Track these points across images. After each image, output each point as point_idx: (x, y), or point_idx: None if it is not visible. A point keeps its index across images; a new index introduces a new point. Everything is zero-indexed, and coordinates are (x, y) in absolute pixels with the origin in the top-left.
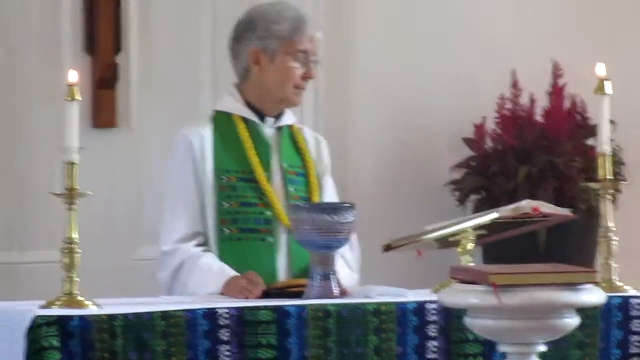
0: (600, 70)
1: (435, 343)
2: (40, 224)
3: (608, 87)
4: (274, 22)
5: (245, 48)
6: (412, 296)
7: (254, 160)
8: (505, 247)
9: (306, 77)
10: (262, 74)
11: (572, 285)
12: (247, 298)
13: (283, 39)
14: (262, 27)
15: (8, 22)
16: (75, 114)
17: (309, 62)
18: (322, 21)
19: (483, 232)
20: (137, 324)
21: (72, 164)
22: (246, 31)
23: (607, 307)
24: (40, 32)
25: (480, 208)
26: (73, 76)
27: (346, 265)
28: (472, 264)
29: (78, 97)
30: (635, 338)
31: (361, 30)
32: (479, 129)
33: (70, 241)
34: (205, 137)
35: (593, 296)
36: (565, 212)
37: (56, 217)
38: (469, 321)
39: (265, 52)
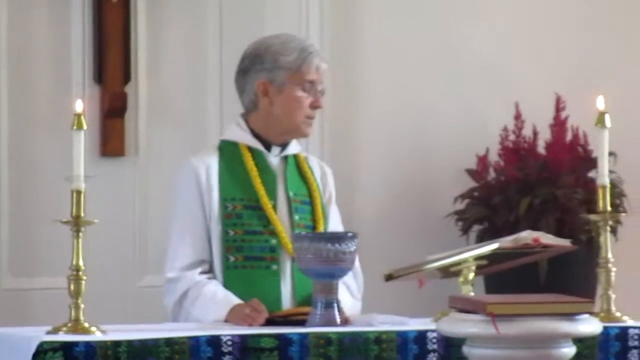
0: (600, 103)
1: None
2: (48, 251)
3: (607, 120)
4: (280, 53)
5: (253, 80)
6: (413, 324)
7: (260, 188)
8: (506, 278)
9: (314, 105)
10: (271, 105)
11: (569, 315)
12: (250, 325)
13: (290, 69)
14: (269, 59)
15: (18, 51)
16: (81, 142)
17: (316, 92)
18: (327, 52)
19: (484, 262)
20: (141, 349)
21: (78, 191)
22: (253, 63)
23: (605, 337)
24: (50, 62)
25: (482, 238)
26: (79, 105)
27: (349, 293)
28: (472, 294)
29: (84, 126)
30: None
31: (365, 62)
32: (482, 160)
33: (76, 268)
34: (211, 165)
35: (589, 326)
36: (565, 242)
37: (63, 244)
38: (467, 350)
39: (273, 83)
